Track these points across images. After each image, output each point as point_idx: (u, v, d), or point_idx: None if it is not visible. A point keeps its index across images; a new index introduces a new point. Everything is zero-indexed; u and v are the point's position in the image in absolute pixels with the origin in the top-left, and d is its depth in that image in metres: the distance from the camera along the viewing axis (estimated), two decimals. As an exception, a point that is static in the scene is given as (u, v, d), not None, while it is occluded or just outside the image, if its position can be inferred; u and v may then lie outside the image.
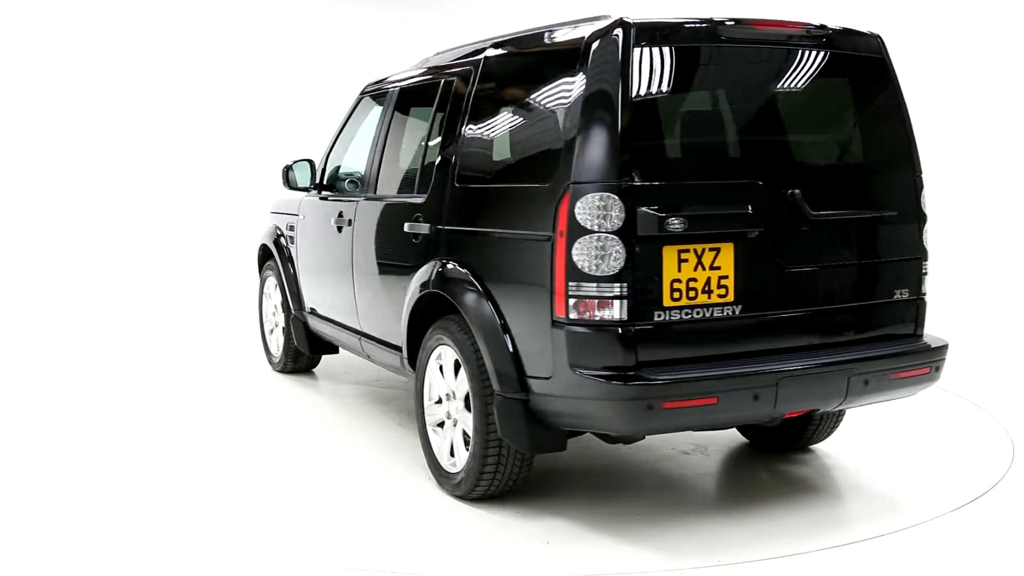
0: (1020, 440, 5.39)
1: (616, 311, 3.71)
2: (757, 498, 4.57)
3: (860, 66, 4.33)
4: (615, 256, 3.70)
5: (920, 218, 4.38)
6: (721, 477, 4.96)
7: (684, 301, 3.80)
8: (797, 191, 3.99)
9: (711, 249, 3.84)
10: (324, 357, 7.02)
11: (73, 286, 10.45)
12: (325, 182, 6.27)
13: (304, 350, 6.75)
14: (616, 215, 3.69)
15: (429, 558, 3.90)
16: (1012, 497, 4.53)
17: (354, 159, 6.02)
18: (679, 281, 3.79)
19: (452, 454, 4.50)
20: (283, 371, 7.15)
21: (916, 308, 4.37)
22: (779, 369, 3.85)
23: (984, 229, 10.98)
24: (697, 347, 3.87)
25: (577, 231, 3.71)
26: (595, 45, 3.89)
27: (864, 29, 4.39)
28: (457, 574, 3.77)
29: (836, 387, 3.98)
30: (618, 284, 3.70)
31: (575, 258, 3.72)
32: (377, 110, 5.85)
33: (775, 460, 5.07)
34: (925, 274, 4.40)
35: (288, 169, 6.35)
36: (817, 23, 4.21)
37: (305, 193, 6.45)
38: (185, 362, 7.72)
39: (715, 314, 3.86)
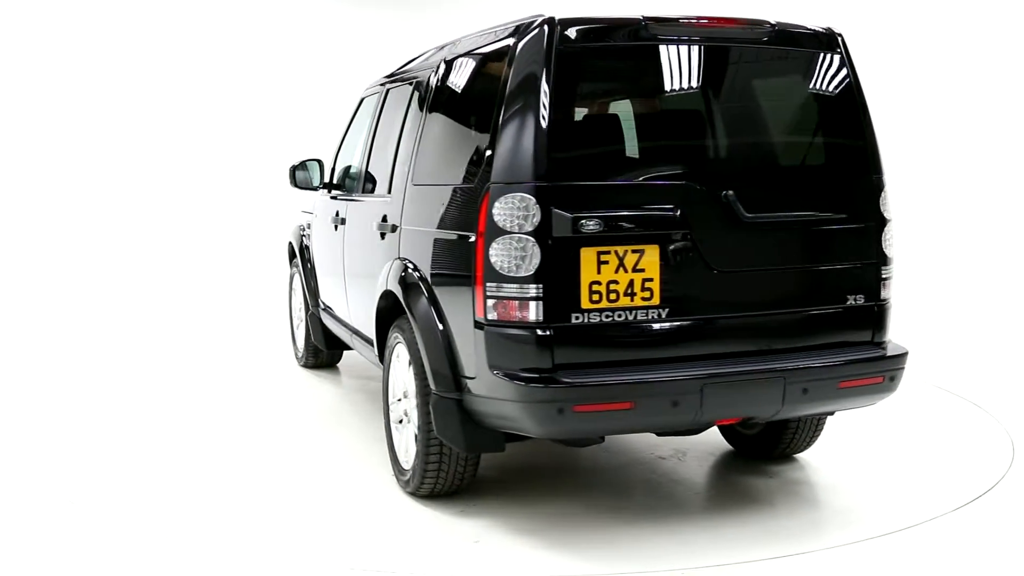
0: (1020, 440, 5.39)
1: (532, 312, 3.67)
2: (730, 504, 4.50)
3: (811, 63, 4.19)
4: (531, 257, 3.66)
5: (879, 222, 4.20)
6: (692, 483, 4.82)
7: (604, 304, 3.72)
8: (731, 192, 3.86)
9: (634, 251, 3.75)
10: (350, 353, 6.95)
11: (97, 285, 10.49)
12: (335, 181, 6.31)
13: (321, 346, 6.77)
14: (532, 216, 3.66)
15: (350, 551, 3.95)
16: (1012, 497, 4.53)
17: (355, 158, 6.06)
18: (599, 283, 3.72)
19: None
20: (305, 366, 7.29)
21: (874, 315, 4.19)
22: (702, 375, 3.74)
23: (984, 229, 10.98)
24: (620, 351, 3.79)
25: (495, 232, 3.70)
26: (521, 45, 3.86)
27: (821, 25, 4.25)
28: (368, 567, 3.79)
29: (770, 395, 3.84)
30: (534, 285, 3.66)
31: (492, 259, 3.70)
32: (372, 110, 5.90)
33: (766, 464, 5.06)
34: (886, 279, 4.23)
35: (294, 169, 6.39)
36: (764, 19, 4.08)
37: (321, 192, 6.50)
38: (213, 358, 7.84)
39: (639, 317, 3.77)
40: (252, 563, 3.86)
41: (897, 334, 8.68)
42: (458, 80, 4.54)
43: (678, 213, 3.80)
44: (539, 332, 3.67)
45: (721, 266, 3.88)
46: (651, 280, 3.77)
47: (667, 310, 3.81)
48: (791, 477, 4.84)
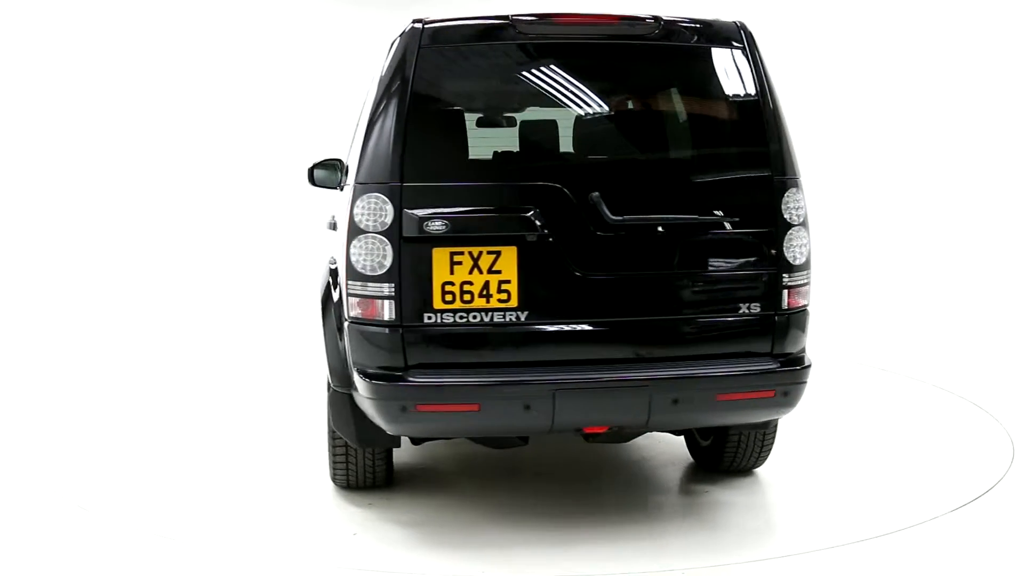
0: (1020, 440, 5.39)
1: (386, 311, 3.70)
2: (692, 508, 4.47)
3: (706, 59, 4.03)
4: (384, 257, 3.69)
5: (779, 225, 3.93)
6: (658, 488, 4.73)
7: (458, 304, 3.70)
8: (596, 194, 3.76)
9: (490, 252, 3.70)
10: None
11: (108, 289, 10.47)
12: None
13: None
14: (386, 216, 3.69)
15: (238, 535, 4.13)
16: (1012, 497, 4.53)
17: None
18: (452, 284, 3.70)
19: None
20: None
21: (774, 325, 3.93)
22: (554, 380, 3.67)
23: (984, 230, 10.97)
24: (476, 352, 3.77)
25: (355, 231, 3.74)
26: (392, 47, 3.90)
27: (726, 19, 4.06)
28: (244, 551, 3.98)
29: (633, 404, 3.73)
30: (387, 284, 3.69)
31: (352, 258, 3.74)
32: None
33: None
34: (792, 287, 3.95)
35: (312, 168, 6.37)
36: (650, 15, 3.94)
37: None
38: (217, 360, 7.87)
39: (495, 319, 3.72)
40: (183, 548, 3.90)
41: (897, 334, 8.70)
42: (370, 83, 4.56)
43: (538, 214, 3.73)
44: (391, 331, 3.70)
45: (586, 270, 3.78)
46: (508, 282, 3.72)
47: (526, 313, 3.74)
48: (786, 476, 4.85)
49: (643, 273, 3.85)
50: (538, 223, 3.73)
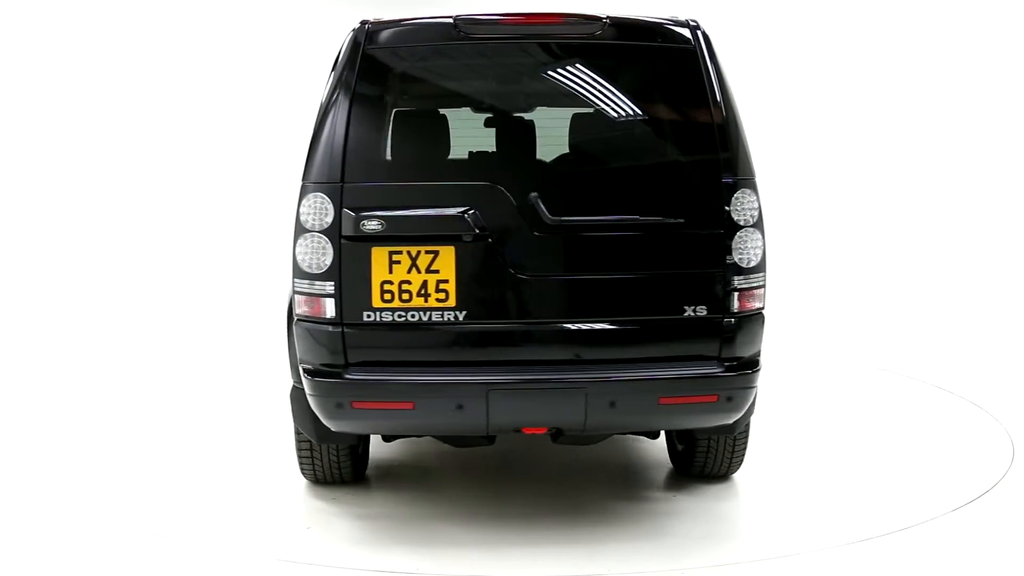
0: (1020, 440, 5.39)
1: (327, 309, 3.75)
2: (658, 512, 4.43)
3: (653, 58, 3.99)
4: (326, 255, 3.74)
5: (727, 226, 3.85)
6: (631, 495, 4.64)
7: (397, 303, 3.73)
8: (535, 195, 3.75)
9: (428, 252, 3.73)
10: None
11: (103, 288, 10.47)
12: None
13: None
14: (327, 215, 3.74)
15: (195, 526, 4.24)
16: (1012, 497, 4.53)
17: None
18: (390, 283, 3.74)
19: None
20: None
21: (721, 328, 3.85)
22: (487, 380, 3.68)
23: (984, 230, 10.97)
24: (415, 351, 3.80)
25: (299, 230, 3.80)
26: (342, 47, 3.94)
27: (677, 18, 4.01)
28: (195, 539, 4.09)
29: (568, 405, 3.71)
30: (329, 283, 3.74)
31: (298, 256, 3.79)
32: None
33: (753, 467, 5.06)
34: (741, 290, 3.86)
35: None
36: (596, 14, 3.89)
37: None
38: (215, 359, 7.87)
39: (433, 318, 3.75)
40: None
41: (897, 334, 8.69)
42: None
43: (477, 214, 3.74)
44: (332, 329, 3.75)
45: (524, 270, 3.78)
46: (446, 282, 3.75)
47: (464, 313, 3.76)
48: (786, 476, 4.85)
49: (582, 274, 3.84)
50: (476, 223, 3.74)
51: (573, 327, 3.83)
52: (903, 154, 11.37)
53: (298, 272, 3.81)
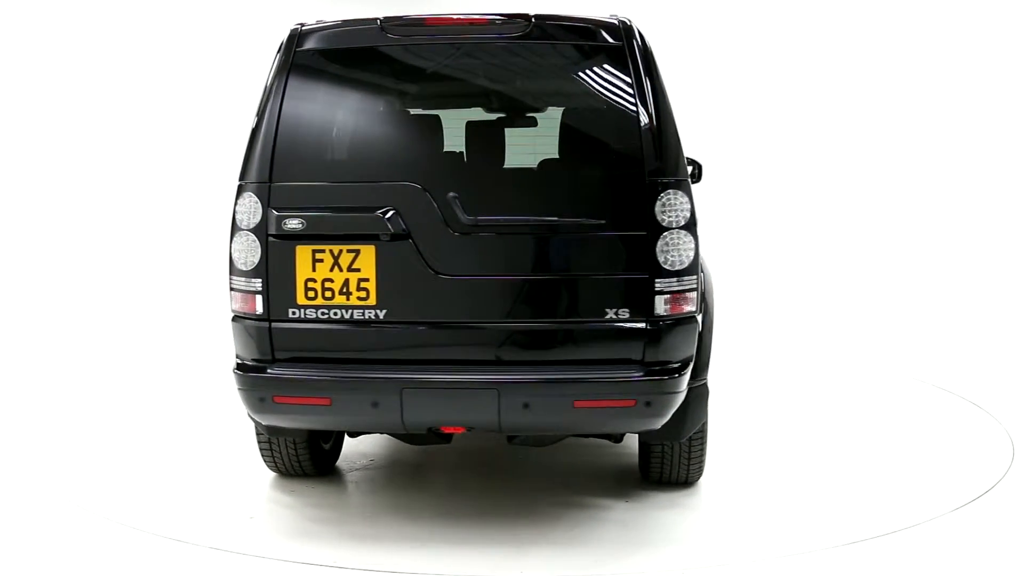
0: (1020, 440, 5.39)
1: (256, 306, 3.87)
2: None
3: (580, 57, 3.97)
4: (254, 253, 3.85)
5: (651, 228, 3.77)
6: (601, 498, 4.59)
7: (320, 301, 3.81)
8: (453, 194, 3.77)
9: (350, 251, 3.79)
10: None
11: (97, 285, 10.47)
12: None
13: None
14: (256, 214, 3.85)
15: (151, 515, 4.35)
16: (1012, 497, 4.53)
17: None
18: (314, 281, 3.81)
19: None
20: None
21: (645, 332, 3.78)
22: (401, 378, 3.73)
23: (983, 230, 10.97)
24: (336, 348, 3.86)
25: (234, 229, 3.91)
26: (280, 49, 4.02)
27: (605, 16, 3.96)
28: (143, 526, 4.22)
29: (481, 405, 3.71)
30: (257, 280, 3.85)
31: (233, 254, 3.91)
32: None
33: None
34: (666, 294, 3.78)
35: None
36: (521, 14, 3.88)
37: None
38: (212, 357, 7.81)
39: (355, 316, 3.81)
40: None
41: (897, 334, 8.69)
42: None
43: (397, 214, 3.78)
44: (260, 325, 3.86)
45: (444, 270, 3.80)
46: (367, 280, 3.80)
47: (385, 311, 3.81)
48: (786, 476, 4.85)
49: (498, 275, 3.83)
50: (396, 223, 3.78)
51: (489, 327, 3.82)
52: (903, 155, 11.37)
53: (233, 269, 3.93)
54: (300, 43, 3.97)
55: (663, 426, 3.90)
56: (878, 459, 5.13)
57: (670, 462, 4.41)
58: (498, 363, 3.83)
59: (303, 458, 4.60)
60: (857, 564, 3.80)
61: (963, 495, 4.51)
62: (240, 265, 3.90)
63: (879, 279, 10.82)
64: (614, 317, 3.77)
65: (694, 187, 6.52)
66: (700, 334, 4.05)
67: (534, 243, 3.84)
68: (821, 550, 3.92)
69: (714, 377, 4.24)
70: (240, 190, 3.92)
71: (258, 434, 4.52)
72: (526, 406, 3.69)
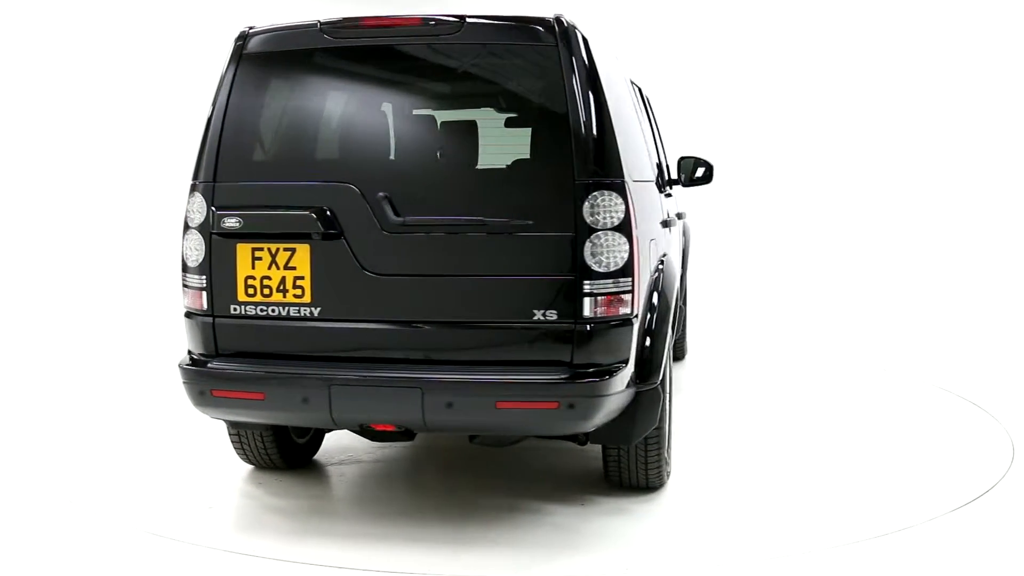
0: (1020, 440, 5.39)
1: (201, 301, 4.02)
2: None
3: (513, 57, 3.96)
4: (200, 250, 4.00)
5: (579, 229, 3.74)
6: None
7: (259, 298, 3.92)
8: (384, 194, 3.81)
9: (286, 249, 3.88)
10: None
11: (92, 283, 10.47)
12: None
13: None
14: (201, 213, 4.00)
15: (113, 504, 4.49)
16: (1012, 497, 4.52)
17: None
18: (253, 278, 3.93)
19: None
20: None
21: (573, 334, 3.74)
22: (330, 375, 3.78)
23: (984, 230, 10.98)
24: (273, 344, 3.95)
25: (185, 227, 4.08)
26: (231, 51, 4.14)
27: (541, 15, 3.89)
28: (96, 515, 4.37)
29: (405, 404, 3.73)
30: (202, 276, 4.00)
31: (184, 251, 4.07)
32: None
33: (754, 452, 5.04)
34: (595, 295, 3.73)
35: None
36: (453, 14, 3.90)
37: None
38: None
39: (291, 313, 3.90)
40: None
41: (898, 334, 8.70)
42: None
43: (331, 213, 3.84)
44: (205, 320, 4.01)
45: (374, 269, 3.84)
46: (302, 278, 3.88)
47: (319, 309, 3.88)
48: (785, 475, 4.85)
49: (426, 274, 3.84)
50: (330, 222, 3.84)
51: (416, 327, 3.86)
52: (903, 157, 11.37)
53: (183, 266, 4.07)
54: (246, 46, 4.09)
55: (611, 429, 3.93)
56: (878, 459, 5.13)
57: (627, 466, 4.37)
58: (424, 362, 3.85)
59: (271, 450, 4.69)
60: (857, 564, 3.80)
61: (963, 495, 4.51)
62: (189, 262, 4.04)
63: (879, 279, 10.83)
64: (541, 319, 3.76)
65: (703, 188, 6.63)
66: (652, 336, 4.08)
67: (462, 243, 3.82)
68: (821, 550, 3.92)
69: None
70: (191, 190, 4.05)
71: (228, 425, 4.57)
72: (449, 405, 3.71)
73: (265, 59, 4.06)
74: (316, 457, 5.12)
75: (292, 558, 3.82)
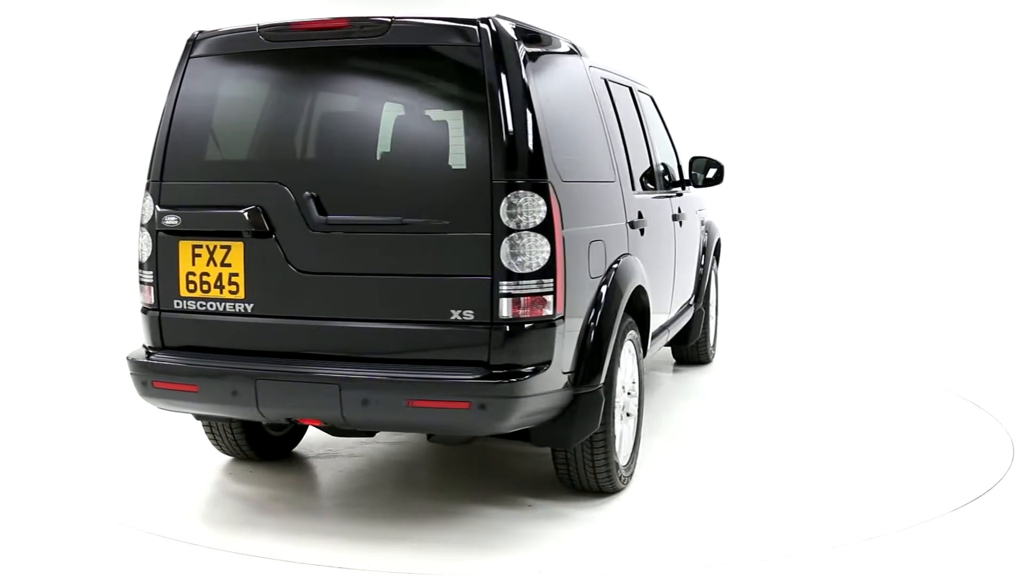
0: (1020, 440, 5.39)
1: (149, 296, 4.21)
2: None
3: (430, 58, 3.99)
4: (148, 247, 4.19)
5: (496, 230, 3.73)
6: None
7: (199, 293, 4.08)
8: (310, 193, 3.90)
9: (222, 247, 4.02)
10: None
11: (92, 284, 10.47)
12: None
13: None
14: (149, 211, 4.19)
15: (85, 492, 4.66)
16: (1012, 497, 4.52)
17: None
18: (193, 274, 4.08)
19: None
20: None
21: (489, 334, 3.73)
22: (255, 370, 3.89)
23: (984, 231, 10.97)
24: (213, 337, 4.09)
25: (139, 225, 4.25)
26: (181, 53, 4.29)
27: (467, 17, 3.90)
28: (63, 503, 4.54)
29: (324, 400, 3.79)
30: (150, 272, 4.18)
31: (138, 248, 4.25)
32: None
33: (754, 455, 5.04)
34: (512, 296, 3.71)
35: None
36: (382, 17, 3.94)
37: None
38: None
39: (227, 309, 4.04)
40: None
41: (898, 334, 8.69)
42: None
43: (263, 212, 3.95)
44: (153, 314, 4.20)
45: (302, 267, 3.94)
46: (237, 275, 4.02)
47: (251, 305, 4.01)
48: (785, 475, 4.85)
49: (348, 272, 3.91)
50: (262, 220, 3.95)
51: (338, 324, 3.92)
52: (903, 156, 11.37)
53: (138, 263, 4.25)
54: (193, 49, 4.24)
55: (550, 431, 4.02)
56: (878, 459, 5.13)
57: (575, 469, 4.35)
58: (345, 359, 3.90)
59: (241, 442, 4.84)
60: (857, 564, 3.80)
61: (963, 495, 4.51)
62: (141, 258, 4.22)
63: (880, 279, 10.83)
64: (459, 318, 3.77)
65: (714, 188, 6.64)
66: (594, 339, 4.09)
67: (382, 242, 3.87)
68: (821, 550, 3.92)
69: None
70: (144, 189, 4.23)
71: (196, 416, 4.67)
72: (365, 402, 3.77)
73: (209, 62, 4.21)
74: (297, 450, 5.21)
75: (224, 547, 3.95)
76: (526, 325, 3.76)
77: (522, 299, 3.74)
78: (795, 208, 11.65)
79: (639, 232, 4.91)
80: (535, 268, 3.76)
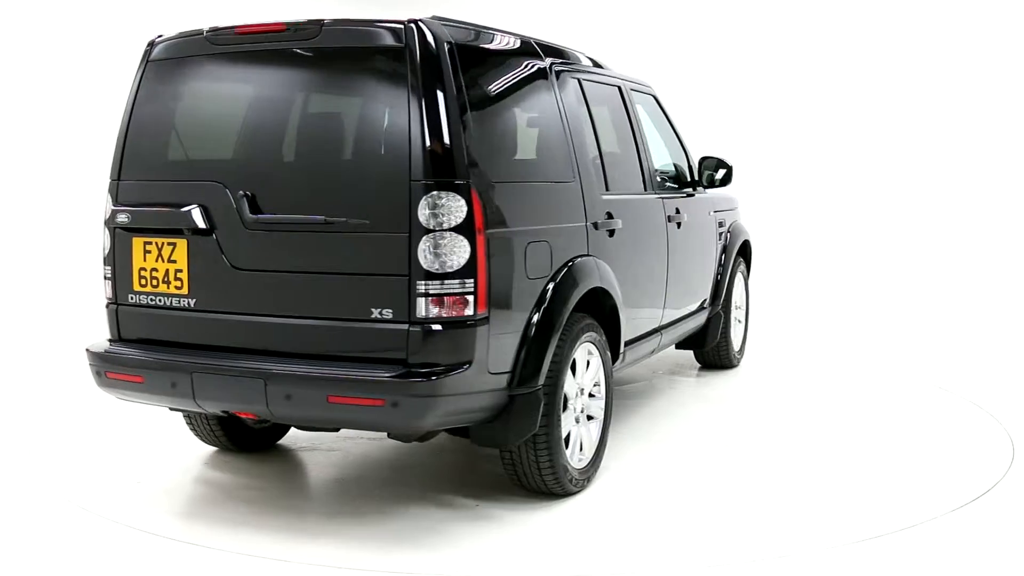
0: (1020, 440, 5.39)
1: (108, 291, 4.40)
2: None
3: (356, 61, 4.04)
4: (107, 244, 4.38)
5: (414, 229, 3.76)
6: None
7: (149, 288, 4.26)
8: (244, 192, 4.03)
9: (168, 244, 4.19)
10: None
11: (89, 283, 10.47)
12: None
13: None
14: (108, 208, 4.38)
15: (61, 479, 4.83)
16: (1012, 497, 4.53)
17: None
18: (145, 270, 4.26)
19: None
20: None
21: (406, 333, 3.77)
22: (191, 363, 4.03)
23: (984, 231, 10.97)
24: (161, 331, 4.26)
25: (104, 222, 4.43)
26: (140, 56, 4.44)
27: (397, 20, 3.93)
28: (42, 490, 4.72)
29: (252, 394, 3.89)
30: (108, 268, 4.39)
31: (103, 244, 4.43)
32: None
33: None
34: (430, 295, 3.75)
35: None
36: (314, 19, 4.01)
37: None
38: None
39: (173, 303, 4.20)
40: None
41: (898, 335, 8.69)
42: None
43: (204, 211, 4.09)
44: (111, 308, 4.39)
45: (237, 264, 4.07)
46: (181, 271, 4.18)
47: (194, 300, 4.16)
48: (785, 474, 4.85)
49: (277, 270, 4.03)
50: (201, 219, 4.09)
51: (266, 320, 4.04)
52: (902, 156, 11.37)
53: (103, 259, 4.42)
54: (151, 52, 4.41)
55: (487, 431, 4.11)
56: (878, 459, 5.14)
57: (522, 469, 4.36)
58: (272, 354, 4.00)
59: (218, 432, 5.02)
60: (857, 564, 3.80)
61: (963, 495, 4.51)
62: (104, 254, 4.41)
63: (880, 279, 10.83)
64: (379, 317, 3.83)
65: (723, 189, 6.64)
66: (533, 340, 4.13)
67: (308, 241, 3.96)
68: (821, 550, 3.92)
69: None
70: (108, 187, 4.41)
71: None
72: (288, 397, 3.87)
73: (164, 66, 4.36)
74: (282, 442, 5.35)
75: (193, 539, 4.05)
76: (444, 325, 3.80)
77: (444, 299, 3.78)
78: (795, 208, 11.65)
79: (606, 233, 4.85)
80: (455, 268, 3.79)
